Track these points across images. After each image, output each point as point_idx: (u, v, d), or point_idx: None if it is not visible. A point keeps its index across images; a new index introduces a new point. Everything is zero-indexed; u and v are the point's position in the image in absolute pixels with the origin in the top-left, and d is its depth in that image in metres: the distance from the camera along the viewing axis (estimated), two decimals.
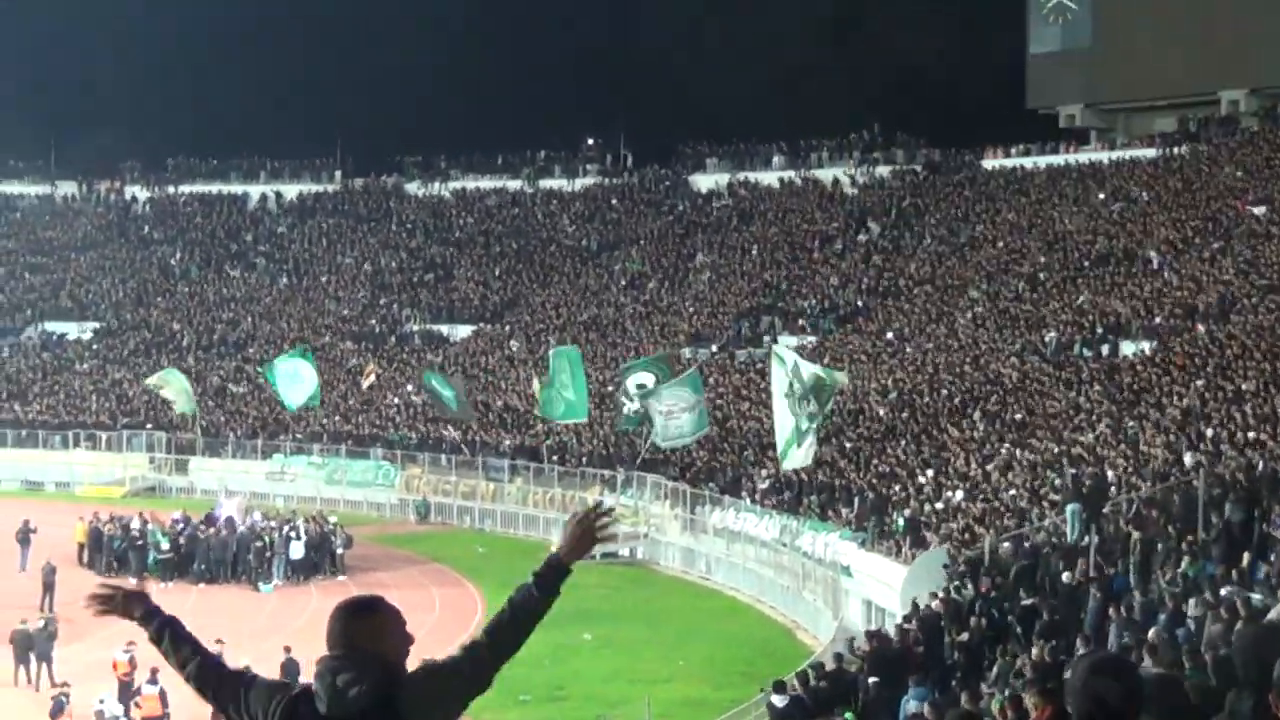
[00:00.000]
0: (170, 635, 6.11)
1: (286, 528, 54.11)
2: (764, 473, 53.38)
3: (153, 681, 31.48)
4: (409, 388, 75.23)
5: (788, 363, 48.73)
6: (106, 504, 62.00)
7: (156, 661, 30.14)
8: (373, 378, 74.73)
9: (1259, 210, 61.99)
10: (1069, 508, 35.98)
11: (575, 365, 60.90)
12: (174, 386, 72.38)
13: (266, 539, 52.95)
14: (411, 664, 5.87)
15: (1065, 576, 31.56)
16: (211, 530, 53.72)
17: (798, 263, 79.55)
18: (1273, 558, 27.50)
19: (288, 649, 35.87)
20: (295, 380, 67.85)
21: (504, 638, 5.85)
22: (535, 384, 68.67)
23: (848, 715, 24.67)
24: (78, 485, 72.32)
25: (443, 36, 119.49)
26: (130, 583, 6.35)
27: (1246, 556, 28.02)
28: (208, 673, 6.05)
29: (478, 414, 69.47)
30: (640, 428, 59.04)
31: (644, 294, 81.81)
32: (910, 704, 25.39)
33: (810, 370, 48.40)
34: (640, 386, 58.36)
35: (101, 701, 32.72)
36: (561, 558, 6.01)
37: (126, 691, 33.82)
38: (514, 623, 5.86)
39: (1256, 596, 24.65)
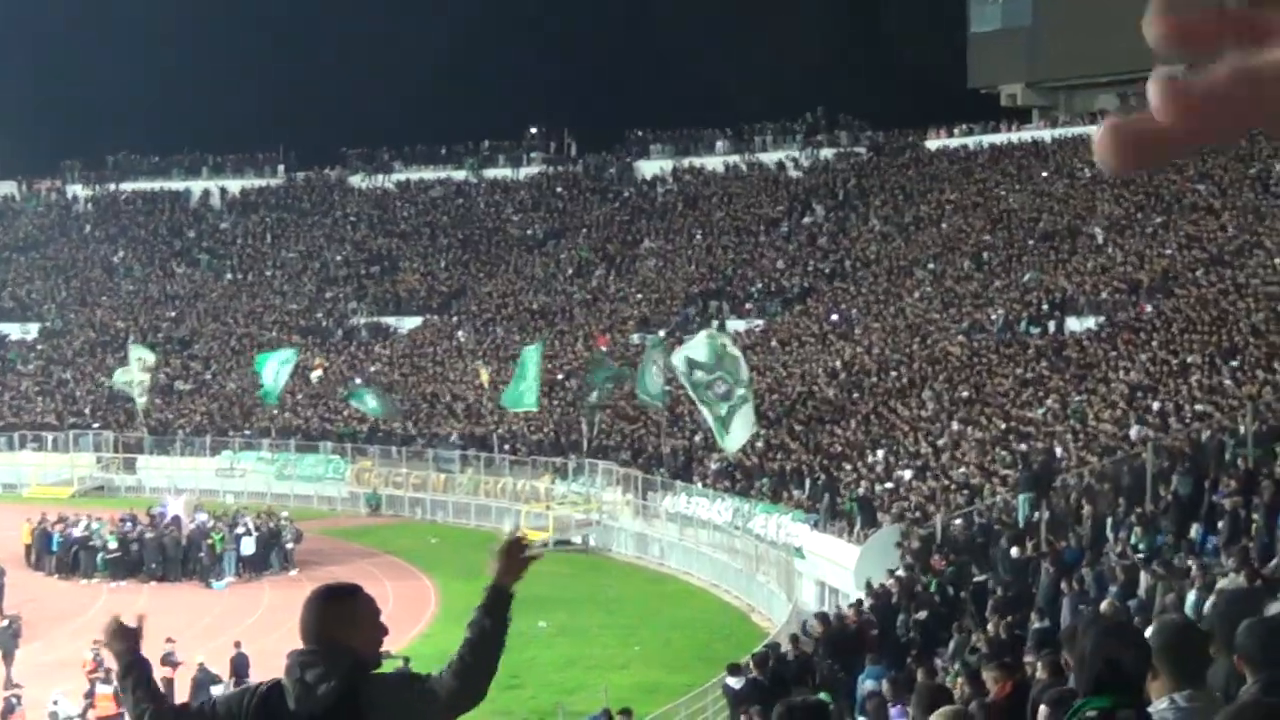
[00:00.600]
0: (135, 677, 5.90)
1: (237, 525, 53.99)
2: (714, 456, 53.44)
3: (107, 681, 31.30)
4: (356, 381, 74.99)
5: (679, 367, 49.11)
6: (55, 504, 61.66)
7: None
8: (320, 371, 74.41)
9: (1200, 186, 62.38)
10: (1021, 496, 36.09)
11: (532, 361, 60.74)
12: (141, 369, 71.99)
13: (216, 536, 52.76)
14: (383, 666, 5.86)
15: (1014, 552, 31.75)
16: (158, 529, 53.54)
17: (744, 246, 79.65)
18: (1220, 527, 27.68)
19: (237, 644, 35.91)
20: (277, 374, 68.20)
21: (472, 676, 5.72)
22: (483, 374, 68.75)
23: (823, 695, 24.69)
24: (24, 487, 71.73)
25: (383, 29, 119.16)
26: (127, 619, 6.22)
27: (1195, 527, 28.22)
28: (166, 713, 5.87)
29: (411, 409, 69.29)
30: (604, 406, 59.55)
31: (591, 281, 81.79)
32: (867, 683, 25.45)
33: (700, 352, 48.65)
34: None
35: (55, 703, 32.59)
36: (497, 582, 5.88)
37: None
38: (476, 656, 5.74)
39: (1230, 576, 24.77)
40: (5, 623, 39.65)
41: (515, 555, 5.95)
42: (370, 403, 66.53)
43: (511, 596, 5.85)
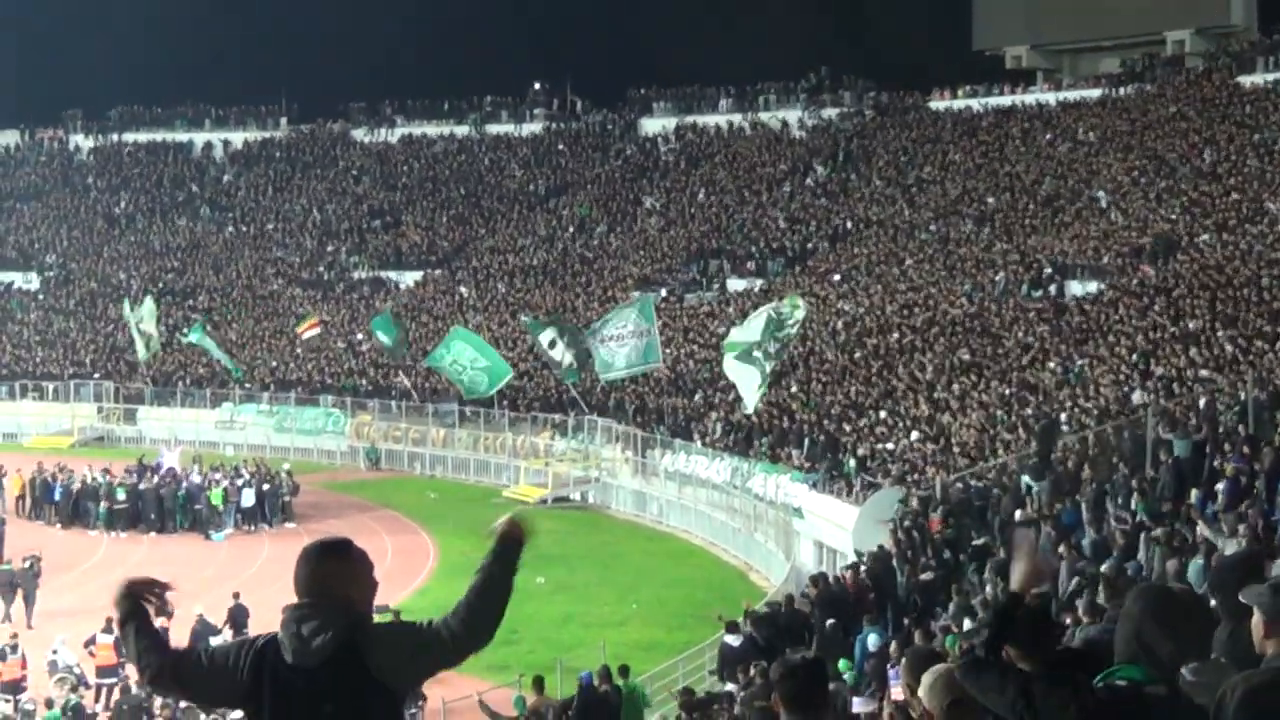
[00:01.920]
0: (136, 625, 5.95)
1: (236, 477, 53.99)
2: (714, 415, 53.35)
3: (108, 630, 31.27)
4: (358, 335, 74.87)
5: (745, 337, 48.22)
6: (55, 454, 61.70)
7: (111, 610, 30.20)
8: (315, 330, 73.84)
9: (1204, 151, 62.24)
10: (1024, 479, 35.67)
11: (470, 341, 60.34)
12: (146, 322, 72.02)
13: (218, 492, 52.73)
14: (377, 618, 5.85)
15: (1017, 514, 31.67)
16: (154, 481, 53.58)
17: (746, 206, 79.45)
18: (1219, 491, 27.58)
19: (236, 595, 35.96)
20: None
21: (479, 619, 5.70)
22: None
23: (842, 664, 24.64)
24: (25, 436, 71.79)
25: None
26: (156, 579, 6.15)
27: (1195, 493, 28.12)
28: (173, 660, 5.88)
29: (420, 359, 69.14)
30: (583, 375, 58.69)
31: (593, 238, 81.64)
32: (871, 638, 25.44)
33: (760, 321, 47.91)
34: (552, 343, 57.99)
35: (54, 651, 32.57)
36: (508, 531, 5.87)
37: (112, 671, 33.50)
38: (484, 601, 5.71)
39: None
40: (27, 564, 40.15)
41: (513, 531, 5.89)
42: (385, 337, 66.41)
43: (522, 545, 5.83)
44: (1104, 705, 5.45)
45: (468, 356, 58.92)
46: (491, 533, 5.87)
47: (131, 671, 28.23)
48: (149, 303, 73.25)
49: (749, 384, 47.58)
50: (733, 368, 48.24)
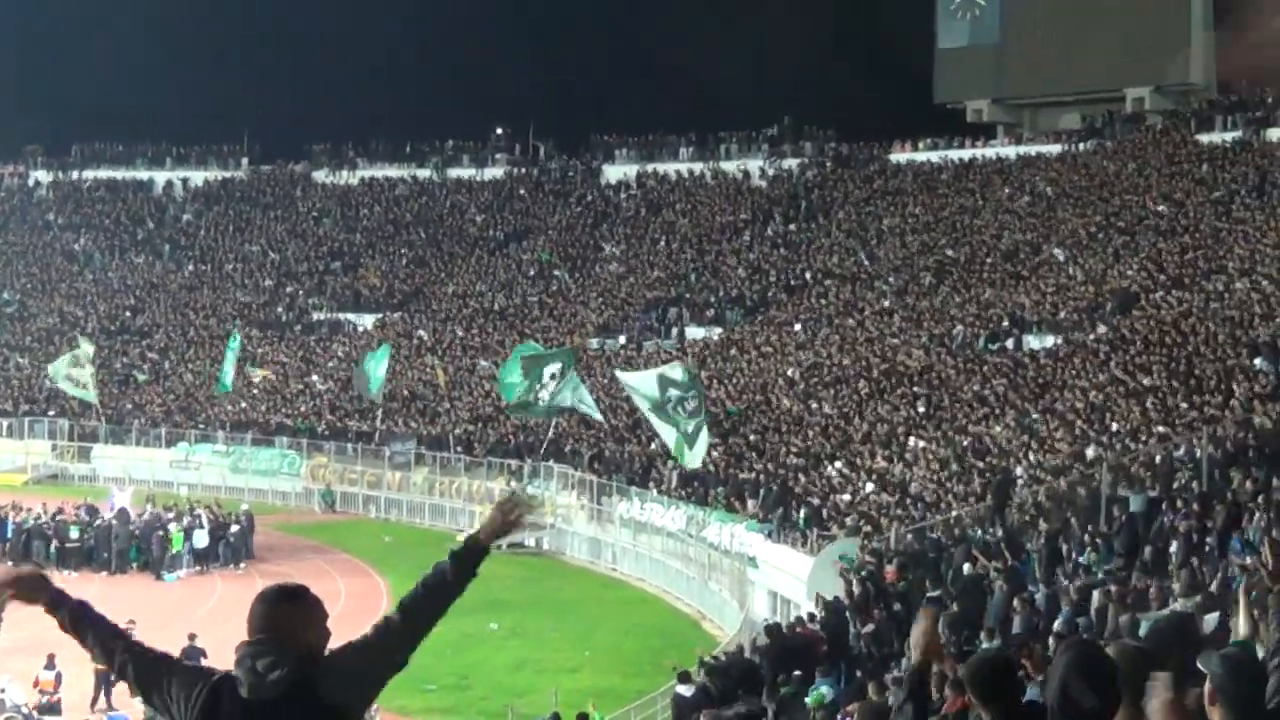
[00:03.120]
0: (86, 622, 5.98)
1: (187, 517, 53.85)
2: (671, 464, 53.38)
3: (49, 666, 31.18)
4: (313, 377, 74.73)
5: (641, 388, 49.19)
6: (8, 491, 61.36)
7: (53, 647, 30.18)
8: (261, 375, 73.45)
9: (1161, 207, 62.65)
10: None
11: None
12: (81, 368, 71.39)
13: (176, 533, 52.60)
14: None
15: (966, 568, 31.76)
16: (105, 520, 53.43)
17: (705, 254, 79.62)
18: (1174, 547, 27.72)
19: (191, 636, 35.74)
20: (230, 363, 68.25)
21: (417, 615, 5.87)
22: (439, 374, 68.64)
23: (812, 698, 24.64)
24: None
25: (353, 25, 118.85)
26: (24, 568, 6.15)
27: (1148, 549, 28.25)
28: (133, 656, 5.94)
29: (368, 406, 69.09)
30: (549, 417, 58.65)
31: (552, 284, 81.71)
32: (823, 689, 25.49)
33: (676, 373, 48.94)
34: (553, 376, 58.07)
35: (2, 690, 32.43)
36: (481, 538, 6.04)
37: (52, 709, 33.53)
38: (428, 599, 5.90)
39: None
40: None
41: (510, 513, 6.05)
42: (373, 374, 66.28)
43: (486, 553, 5.97)
44: None
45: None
46: (495, 506, 6.12)
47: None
48: (84, 344, 72.81)
49: (670, 438, 48.38)
50: (653, 420, 49.15)
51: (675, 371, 49.34)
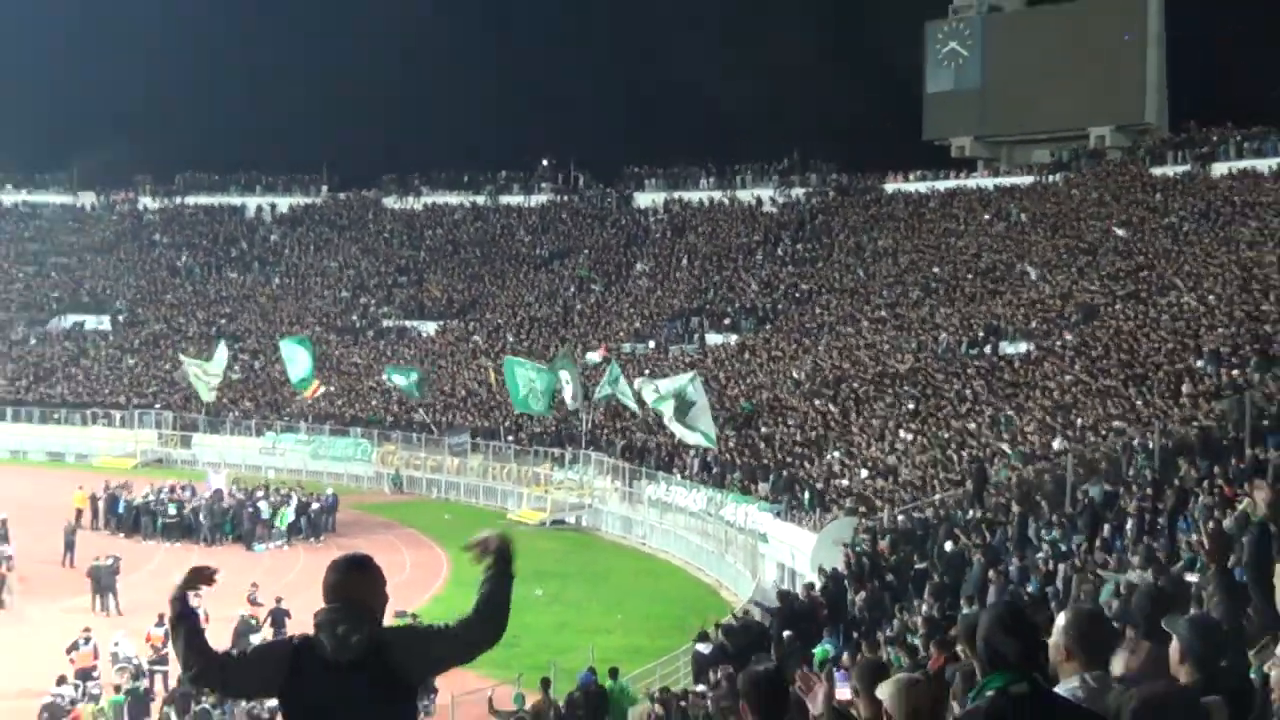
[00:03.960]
0: (186, 628, 5.93)
1: (275, 496, 54.18)
2: (693, 452, 53.42)
3: (159, 624, 31.27)
4: (384, 376, 74.95)
5: (662, 393, 50.43)
6: (120, 473, 62.06)
7: (163, 607, 30.34)
8: (320, 391, 73.21)
9: (1120, 231, 62.47)
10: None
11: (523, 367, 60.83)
12: (211, 368, 71.42)
13: (283, 512, 53.04)
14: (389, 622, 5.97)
15: (949, 545, 31.76)
16: (202, 498, 53.79)
17: (724, 271, 79.56)
18: (1128, 527, 27.73)
19: (279, 599, 35.99)
20: (291, 361, 68.05)
21: (493, 617, 5.91)
22: (490, 374, 68.68)
23: (819, 651, 24.63)
24: (94, 457, 71.78)
25: (418, 71, 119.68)
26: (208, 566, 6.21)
27: (1106, 528, 28.24)
28: (206, 671, 5.90)
29: (438, 399, 69.20)
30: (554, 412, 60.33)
31: (590, 296, 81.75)
32: (826, 646, 25.54)
33: (668, 387, 50.07)
34: (567, 381, 58.91)
35: (116, 644, 32.58)
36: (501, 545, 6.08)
37: (161, 660, 33.45)
38: (495, 603, 5.92)
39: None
40: (110, 561, 41.52)
41: (491, 547, 6.08)
42: (403, 381, 66.57)
43: (512, 555, 6.04)
44: (978, 715, 5.45)
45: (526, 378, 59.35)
46: (478, 546, 6.06)
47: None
48: (222, 347, 73.03)
49: (694, 438, 49.97)
50: (679, 429, 49.89)
51: (681, 383, 50.55)
